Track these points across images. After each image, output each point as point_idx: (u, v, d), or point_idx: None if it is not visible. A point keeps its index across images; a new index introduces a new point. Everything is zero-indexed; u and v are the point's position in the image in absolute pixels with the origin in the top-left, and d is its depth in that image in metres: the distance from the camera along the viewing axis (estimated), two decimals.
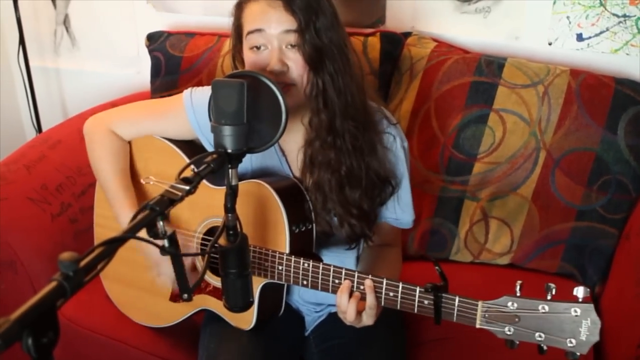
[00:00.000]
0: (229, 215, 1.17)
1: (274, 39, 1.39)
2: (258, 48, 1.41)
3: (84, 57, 2.75)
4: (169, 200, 1.00)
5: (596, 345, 1.63)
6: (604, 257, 1.87)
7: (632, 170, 1.83)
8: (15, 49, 2.64)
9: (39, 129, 2.75)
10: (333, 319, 1.64)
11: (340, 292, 1.33)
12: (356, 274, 1.33)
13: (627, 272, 1.72)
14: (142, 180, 1.56)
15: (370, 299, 1.31)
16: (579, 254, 1.89)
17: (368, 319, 1.34)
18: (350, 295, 1.32)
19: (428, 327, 1.73)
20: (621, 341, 1.57)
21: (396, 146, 1.53)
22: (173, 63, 2.24)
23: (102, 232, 1.73)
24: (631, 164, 1.83)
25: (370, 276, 1.31)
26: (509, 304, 1.18)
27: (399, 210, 1.56)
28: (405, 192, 1.56)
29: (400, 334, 1.63)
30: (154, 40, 2.31)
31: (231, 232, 1.18)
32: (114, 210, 1.59)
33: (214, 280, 1.54)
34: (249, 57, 1.43)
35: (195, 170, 1.08)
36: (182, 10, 2.49)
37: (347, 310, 1.32)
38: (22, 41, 2.60)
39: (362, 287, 1.32)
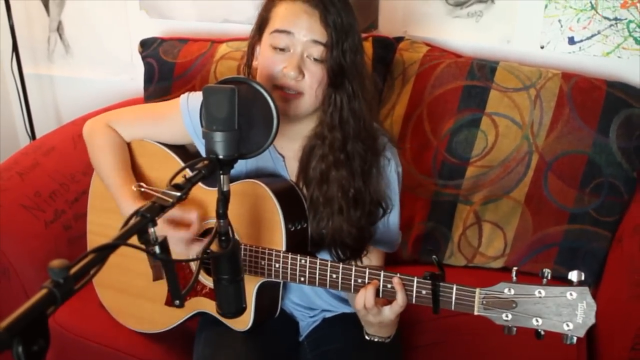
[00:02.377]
0: (221, 221, 1.17)
1: (299, 45, 1.38)
2: (281, 49, 1.40)
3: (78, 64, 2.75)
4: (160, 207, 1.00)
5: (590, 348, 1.65)
6: (597, 259, 1.87)
7: (624, 173, 1.84)
8: (8, 56, 2.64)
9: (32, 136, 2.75)
10: (327, 324, 1.64)
11: (365, 290, 1.31)
12: (367, 270, 1.32)
13: (620, 274, 1.73)
14: (132, 187, 1.56)
15: (400, 297, 1.29)
16: (572, 256, 1.89)
17: (391, 314, 1.31)
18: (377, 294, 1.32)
19: (423, 331, 1.73)
20: (614, 343, 1.58)
21: (390, 170, 1.53)
22: (166, 69, 2.24)
23: (96, 239, 1.73)
24: (623, 166, 1.84)
25: (398, 274, 1.30)
26: (506, 290, 1.20)
27: (386, 234, 1.57)
28: (394, 216, 1.56)
29: (395, 339, 1.63)
30: (147, 47, 2.31)
31: (223, 237, 1.18)
32: (116, 201, 1.56)
33: (209, 282, 1.54)
34: (267, 54, 1.42)
35: (187, 176, 1.08)
36: (176, 17, 2.49)
37: (370, 306, 1.30)
38: (15, 48, 2.60)
39: (388, 285, 1.31)
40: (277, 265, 1.41)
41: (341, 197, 1.46)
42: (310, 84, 1.40)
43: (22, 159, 2.00)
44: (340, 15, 1.38)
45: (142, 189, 1.54)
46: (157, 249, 1.00)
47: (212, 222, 1.53)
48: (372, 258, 1.58)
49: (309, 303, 1.64)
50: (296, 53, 1.39)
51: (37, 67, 2.80)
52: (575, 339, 1.16)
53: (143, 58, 2.31)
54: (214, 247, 1.19)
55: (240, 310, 1.25)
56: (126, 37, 2.61)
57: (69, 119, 2.36)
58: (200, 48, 2.23)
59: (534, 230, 1.92)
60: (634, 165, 1.85)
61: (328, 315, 1.65)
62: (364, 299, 1.31)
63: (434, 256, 1.27)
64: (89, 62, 2.73)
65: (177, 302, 1.09)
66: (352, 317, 1.62)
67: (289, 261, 1.40)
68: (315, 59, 1.39)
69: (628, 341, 1.50)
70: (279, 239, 1.44)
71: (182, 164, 1.46)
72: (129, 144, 1.66)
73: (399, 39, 2.13)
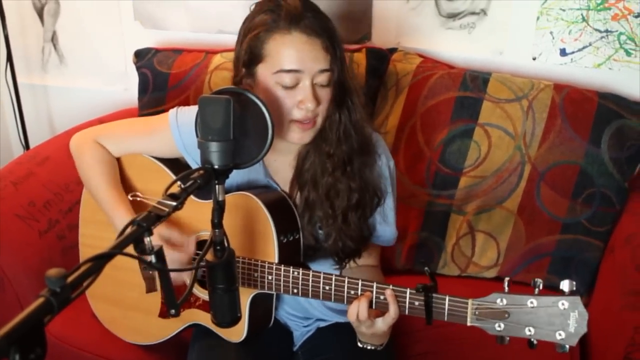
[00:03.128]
0: (216, 230, 1.18)
1: (308, 78, 1.36)
2: (290, 87, 1.37)
3: (72, 74, 2.75)
4: (155, 216, 1.01)
5: (582, 357, 1.65)
6: (589, 269, 1.88)
7: (616, 183, 1.86)
8: (2, 66, 2.64)
9: (26, 146, 2.75)
10: (321, 334, 1.64)
11: (359, 302, 1.31)
12: (360, 282, 1.33)
13: (612, 284, 1.74)
14: (129, 196, 1.56)
15: (393, 309, 1.29)
16: (565, 266, 1.90)
17: (384, 325, 1.32)
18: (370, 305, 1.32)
19: (417, 340, 1.74)
20: (607, 353, 1.58)
21: (381, 164, 1.55)
22: (161, 80, 2.25)
23: (88, 251, 1.73)
24: (615, 177, 1.85)
25: (391, 286, 1.31)
26: (498, 300, 1.20)
27: (382, 228, 1.58)
28: (389, 210, 1.57)
29: (389, 348, 1.63)
30: (142, 57, 2.31)
31: (218, 247, 1.19)
32: (107, 215, 1.56)
33: (203, 294, 1.54)
34: (275, 92, 1.38)
35: (182, 186, 1.09)
36: (170, 27, 2.50)
37: (364, 318, 1.30)
38: (9, 58, 2.60)
39: (381, 297, 1.31)
40: (270, 277, 1.42)
41: (346, 206, 1.48)
42: (323, 108, 1.41)
43: (16, 169, 2.00)
44: (331, 33, 1.39)
45: (138, 199, 1.55)
46: (153, 258, 1.00)
47: (205, 234, 1.54)
48: (369, 253, 1.60)
49: (303, 313, 1.64)
50: (307, 86, 1.37)
51: (31, 77, 2.80)
52: (567, 347, 1.17)
53: (137, 68, 2.32)
54: (209, 256, 1.20)
55: (235, 319, 1.26)
56: (120, 47, 2.62)
57: (62, 129, 2.36)
58: (195, 59, 2.24)
59: (527, 240, 1.93)
60: (625, 176, 1.87)
61: (322, 324, 1.65)
62: (357, 310, 1.31)
63: (426, 268, 1.28)
64: (83, 72, 2.73)
65: (173, 311, 1.09)
66: (346, 326, 1.62)
67: (282, 273, 1.40)
68: (324, 86, 1.39)
69: (620, 350, 1.51)
70: (271, 251, 1.44)
71: (174, 176, 1.46)
72: (120, 158, 1.66)
73: (392, 50, 2.14)
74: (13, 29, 2.63)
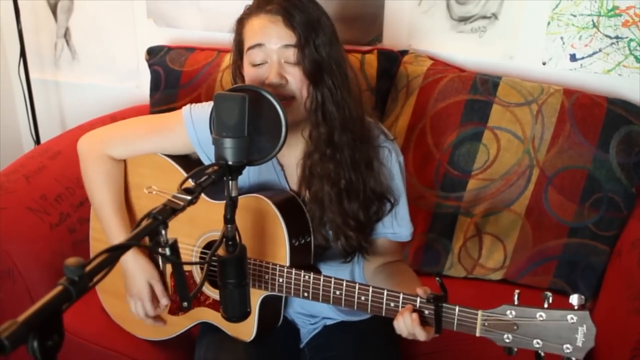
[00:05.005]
0: (228, 226, 1.19)
1: (274, 54, 1.41)
2: (260, 64, 1.43)
3: (84, 70, 2.77)
4: (171, 210, 1.02)
5: None
6: (596, 273, 1.89)
7: (624, 189, 1.87)
8: (16, 61, 2.66)
9: (37, 140, 2.77)
10: (328, 332, 1.66)
11: (401, 315, 1.29)
12: (371, 288, 1.34)
13: (618, 288, 1.75)
14: (145, 190, 1.57)
15: (420, 333, 1.28)
16: (571, 270, 1.92)
17: (421, 335, 1.29)
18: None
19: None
20: (613, 356, 1.59)
21: (391, 161, 1.55)
22: (173, 77, 2.27)
23: (98, 245, 1.74)
24: (622, 182, 1.86)
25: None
26: (508, 312, 1.21)
27: (396, 225, 1.58)
28: (402, 206, 1.57)
29: (394, 347, 1.65)
30: (154, 55, 2.33)
31: (230, 242, 1.20)
32: (107, 236, 1.62)
33: (214, 293, 1.56)
34: (249, 72, 1.45)
35: (196, 181, 1.11)
36: (183, 26, 2.52)
37: (413, 331, 1.29)
38: (23, 53, 2.63)
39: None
40: (280, 280, 1.43)
41: (333, 192, 1.47)
42: (297, 86, 1.42)
43: (28, 162, 2.02)
44: (304, 13, 1.42)
45: (154, 192, 1.56)
46: (167, 251, 1.02)
47: (215, 234, 1.55)
48: (389, 249, 1.60)
49: (310, 311, 1.66)
50: (273, 62, 1.42)
51: (43, 73, 2.83)
52: None
53: (150, 65, 2.33)
54: (220, 251, 1.21)
55: (244, 314, 1.27)
56: (133, 45, 2.64)
57: (73, 125, 2.38)
58: (207, 57, 2.26)
59: (534, 243, 1.94)
60: (633, 181, 1.88)
61: (329, 322, 1.67)
62: (404, 325, 1.29)
63: (437, 278, 1.29)
64: (95, 69, 2.75)
65: (185, 304, 1.10)
66: (353, 325, 1.65)
67: (293, 276, 1.41)
68: (291, 62, 1.42)
69: (626, 354, 1.52)
70: (283, 254, 1.45)
71: (185, 174, 1.48)
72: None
73: (404, 53, 2.16)
74: (27, 25, 2.65)
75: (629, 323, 1.58)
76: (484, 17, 2.13)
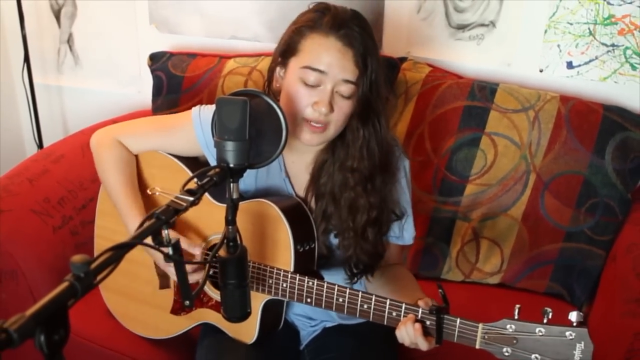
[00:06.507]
0: (230, 227, 1.21)
1: (330, 83, 1.40)
2: (312, 86, 1.41)
3: (87, 76, 2.80)
4: (174, 210, 1.04)
5: None
6: (591, 277, 1.91)
7: (619, 194, 1.89)
8: (19, 66, 2.69)
9: (40, 144, 2.79)
10: (327, 334, 1.67)
11: (404, 325, 1.31)
12: (374, 297, 1.35)
13: (614, 292, 1.76)
14: (148, 191, 1.59)
15: (422, 343, 1.30)
16: (567, 274, 1.94)
17: (423, 345, 1.31)
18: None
19: None
20: (607, 359, 1.61)
21: (403, 175, 1.58)
22: (175, 82, 2.29)
23: (103, 243, 1.76)
24: (618, 187, 1.89)
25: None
26: (508, 326, 1.23)
27: (402, 229, 1.60)
28: (408, 212, 1.60)
29: (393, 349, 1.66)
30: (157, 60, 2.36)
31: (231, 243, 1.22)
32: (122, 217, 1.60)
33: (216, 295, 1.57)
34: (296, 87, 1.43)
35: (199, 183, 1.13)
36: (185, 32, 2.55)
37: (416, 341, 1.30)
38: (26, 58, 2.65)
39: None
40: (284, 285, 1.44)
41: (366, 221, 1.49)
42: (337, 118, 1.43)
43: (32, 166, 2.04)
44: (370, 53, 1.41)
45: (157, 193, 1.58)
46: (170, 250, 1.04)
47: (218, 237, 1.56)
48: (390, 252, 1.62)
49: (310, 313, 1.67)
50: (327, 90, 1.40)
51: (46, 78, 2.85)
52: None
53: (152, 71, 2.36)
54: (222, 252, 1.23)
55: (245, 315, 1.29)
56: (135, 50, 2.66)
57: (75, 129, 2.40)
58: (209, 63, 2.29)
59: (530, 247, 1.96)
60: (628, 187, 1.90)
61: (328, 324, 1.68)
62: (406, 334, 1.31)
63: (440, 290, 1.30)
64: (97, 74, 2.78)
65: (187, 302, 1.12)
66: (352, 327, 1.66)
67: (297, 282, 1.43)
68: (344, 96, 1.42)
69: (620, 357, 1.53)
70: (287, 260, 1.46)
71: (191, 174, 1.50)
72: (139, 155, 1.68)
73: (403, 59, 2.18)
74: (31, 30, 2.68)
75: (623, 326, 1.60)
76: (482, 25, 2.16)
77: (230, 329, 1.56)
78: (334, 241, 1.56)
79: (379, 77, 1.44)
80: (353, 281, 1.55)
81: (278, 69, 1.50)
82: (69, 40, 2.76)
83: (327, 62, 1.39)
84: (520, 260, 1.97)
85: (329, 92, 1.40)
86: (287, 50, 1.47)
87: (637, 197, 1.96)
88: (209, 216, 1.53)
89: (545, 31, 2.09)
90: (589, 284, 1.91)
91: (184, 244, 1.50)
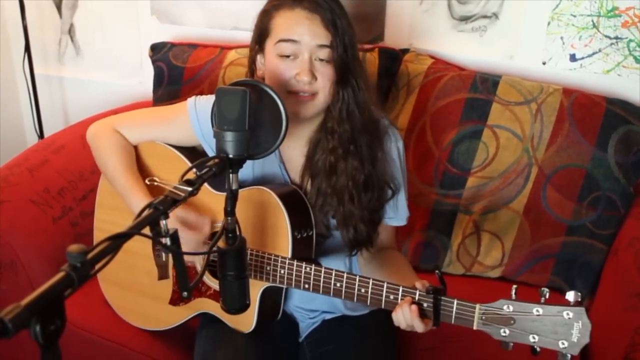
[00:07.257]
0: (229, 218, 1.21)
1: (306, 51, 1.43)
2: (287, 57, 1.44)
3: (88, 66, 2.79)
4: (172, 200, 1.04)
5: (583, 357, 1.67)
6: (593, 271, 1.91)
7: (621, 188, 1.88)
8: (20, 57, 2.68)
9: (41, 135, 2.79)
10: (327, 326, 1.67)
11: (400, 308, 1.31)
12: (371, 280, 1.35)
13: (615, 286, 1.76)
14: (146, 181, 1.59)
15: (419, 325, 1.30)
16: (569, 268, 1.93)
17: (419, 327, 1.31)
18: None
19: (420, 335, 1.74)
20: (608, 353, 1.60)
21: (392, 148, 1.59)
22: (176, 73, 2.29)
23: (102, 235, 1.72)
24: (620, 181, 1.88)
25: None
26: (505, 307, 1.23)
27: (395, 209, 1.61)
28: (401, 191, 1.61)
29: (392, 342, 1.66)
30: (158, 51, 2.35)
31: (230, 234, 1.22)
32: (123, 198, 1.59)
33: (215, 284, 1.57)
34: (275, 63, 1.46)
35: (198, 173, 1.12)
36: (186, 23, 2.54)
37: (412, 323, 1.31)
38: (27, 49, 2.65)
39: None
40: (282, 271, 1.44)
41: (352, 186, 1.51)
42: (323, 84, 1.45)
43: (32, 156, 2.04)
44: (338, 15, 1.44)
45: (155, 183, 1.58)
46: (167, 241, 1.03)
47: (218, 225, 1.56)
48: (383, 234, 1.62)
49: (309, 305, 1.67)
50: (304, 59, 1.43)
51: (47, 68, 2.85)
52: (569, 356, 1.19)
53: (153, 62, 2.35)
54: (221, 243, 1.23)
55: (243, 306, 1.28)
56: (136, 41, 2.66)
57: (76, 120, 2.40)
58: (210, 54, 2.28)
59: (532, 241, 1.95)
60: (630, 181, 1.89)
61: (328, 316, 1.68)
62: (402, 317, 1.31)
63: (436, 271, 1.30)
64: (98, 65, 2.78)
65: (185, 293, 1.12)
66: (351, 319, 1.66)
67: (294, 268, 1.43)
68: (323, 60, 1.44)
69: (621, 351, 1.53)
70: (285, 246, 1.46)
71: (190, 164, 1.49)
72: (138, 146, 1.69)
73: (405, 51, 2.17)
74: (32, 20, 2.67)
75: (625, 320, 1.59)
76: (485, 17, 2.15)
77: (229, 318, 1.56)
78: (333, 221, 1.56)
79: (353, 39, 1.47)
80: (352, 253, 1.56)
81: (258, 57, 1.53)
82: (70, 31, 2.75)
83: (299, 32, 1.43)
84: (521, 253, 1.97)
85: (307, 61, 1.43)
86: (260, 34, 1.50)
87: (639, 191, 1.94)
88: (208, 205, 1.53)
89: (549, 23, 2.08)
90: (590, 278, 1.91)
91: (193, 218, 1.51)
